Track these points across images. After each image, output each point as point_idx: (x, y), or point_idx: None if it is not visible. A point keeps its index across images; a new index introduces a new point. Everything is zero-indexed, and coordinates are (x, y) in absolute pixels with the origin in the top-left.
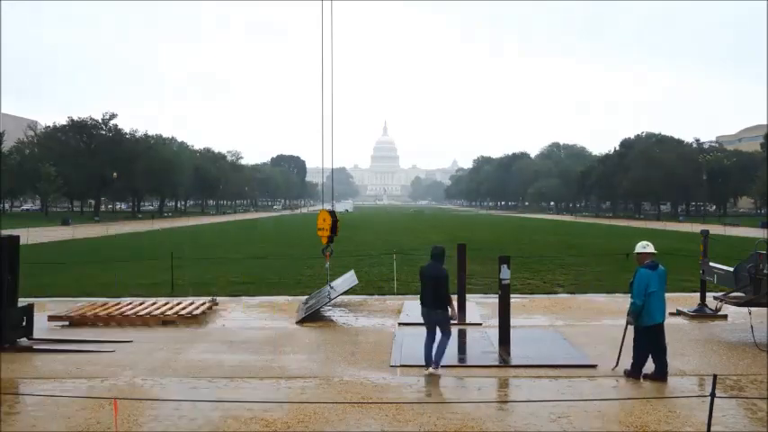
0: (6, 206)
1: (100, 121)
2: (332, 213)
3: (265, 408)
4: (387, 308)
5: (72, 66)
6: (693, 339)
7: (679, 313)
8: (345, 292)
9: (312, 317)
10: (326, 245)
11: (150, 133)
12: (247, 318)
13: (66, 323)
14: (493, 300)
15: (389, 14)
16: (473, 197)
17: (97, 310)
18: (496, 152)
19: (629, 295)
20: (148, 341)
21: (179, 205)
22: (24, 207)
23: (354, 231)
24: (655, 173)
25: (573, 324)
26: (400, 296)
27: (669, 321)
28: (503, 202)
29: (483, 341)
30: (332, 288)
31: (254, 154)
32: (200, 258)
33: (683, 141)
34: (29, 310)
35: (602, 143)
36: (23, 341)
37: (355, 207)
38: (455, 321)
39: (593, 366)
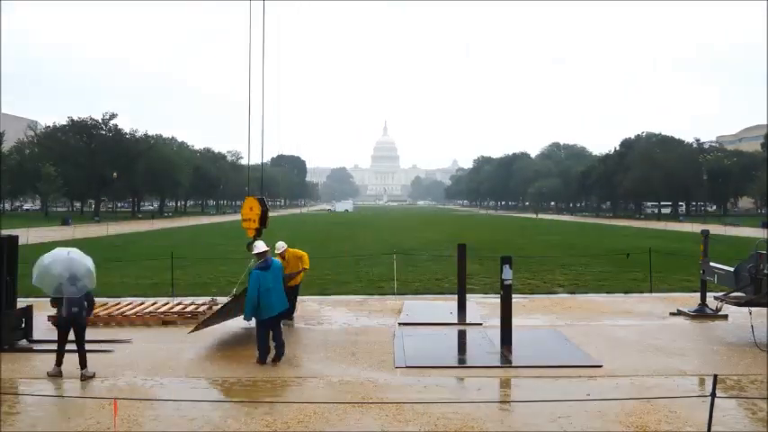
0: (6, 206)
1: (100, 121)
2: (261, 202)
3: (265, 408)
4: (387, 308)
5: (72, 66)
6: (694, 339)
7: (679, 313)
8: (345, 292)
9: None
10: (253, 239)
11: (150, 133)
12: None
13: None
14: (493, 300)
15: (390, 15)
16: (473, 197)
17: (97, 310)
18: (496, 152)
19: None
20: (148, 341)
21: (179, 205)
22: (24, 207)
23: (354, 231)
24: (655, 173)
25: (573, 324)
26: (400, 296)
27: (670, 321)
28: (503, 202)
29: (483, 341)
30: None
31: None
32: (200, 258)
33: (683, 141)
34: (28, 311)
35: (602, 143)
36: (23, 343)
37: (355, 207)
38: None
39: (599, 366)
